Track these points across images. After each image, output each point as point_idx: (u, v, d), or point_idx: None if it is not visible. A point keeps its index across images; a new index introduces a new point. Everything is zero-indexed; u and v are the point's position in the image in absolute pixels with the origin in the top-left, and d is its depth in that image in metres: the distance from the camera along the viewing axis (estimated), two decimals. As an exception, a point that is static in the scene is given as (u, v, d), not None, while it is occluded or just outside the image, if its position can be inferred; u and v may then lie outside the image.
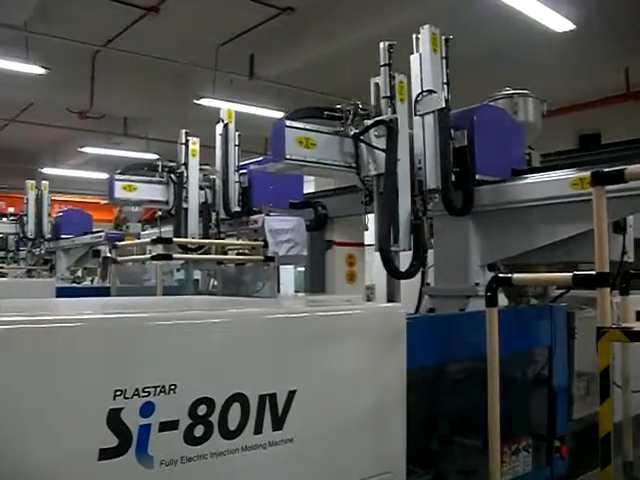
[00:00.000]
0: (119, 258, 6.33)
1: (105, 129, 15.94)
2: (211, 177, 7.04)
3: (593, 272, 2.72)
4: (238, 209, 6.75)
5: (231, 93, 12.02)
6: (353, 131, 4.35)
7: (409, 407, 2.85)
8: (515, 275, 3.17)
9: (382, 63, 4.30)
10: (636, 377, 4.19)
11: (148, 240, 6.31)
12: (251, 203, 6.72)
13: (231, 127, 6.82)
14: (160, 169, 7.08)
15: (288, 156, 4.03)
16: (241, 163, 6.91)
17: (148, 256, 5.80)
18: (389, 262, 4.15)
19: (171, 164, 7.10)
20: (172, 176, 7.03)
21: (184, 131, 7.02)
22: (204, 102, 12.29)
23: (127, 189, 6.94)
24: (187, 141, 6.97)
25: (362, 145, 4.36)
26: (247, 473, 2.31)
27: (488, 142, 4.57)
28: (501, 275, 3.21)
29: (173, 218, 7.07)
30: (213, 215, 6.94)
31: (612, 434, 2.64)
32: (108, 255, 7.88)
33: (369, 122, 4.31)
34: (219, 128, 6.86)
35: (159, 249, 5.66)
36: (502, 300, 4.63)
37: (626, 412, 3.89)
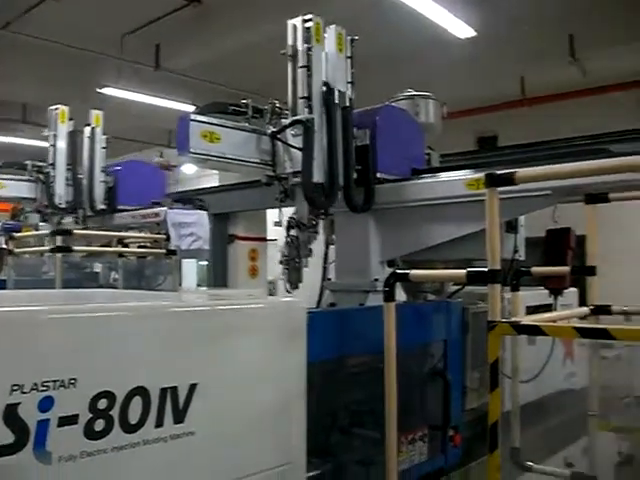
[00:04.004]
0: (16, 250, 6.12)
1: (2, 116, 15.30)
2: (79, 176, 7.40)
3: (485, 269, 2.85)
4: (104, 207, 7.28)
5: (136, 83, 11.80)
6: (271, 129, 4.40)
7: (310, 400, 2.90)
8: (412, 271, 3.26)
9: (300, 65, 4.35)
10: (524, 369, 4.42)
11: (47, 232, 6.14)
12: (116, 202, 7.27)
13: (98, 130, 7.36)
14: (30, 167, 7.61)
15: (192, 149, 4.03)
16: (107, 164, 7.43)
17: (47, 248, 5.64)
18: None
19: (40, 164, 7.57)
20: (40, 175, 7.50)
21: (52, 133, 7.41)
22: (107, 91, 12.02)
23: (-4, 186, 7.28)
24: (55, 143, 7.40)
25: (279, 143, 4.41)
26: (148, 466, 2.30)
27: (389, 141, 4.68)
28: (399, 271, 3.29)
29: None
30: (80, 212, 7.39)
31: (500, 422, 2.77)
32: (4, 246, 7.63)
33: (286, 121, 4.37)
34: (87, 131, 7.36)
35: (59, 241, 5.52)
36: (402, 296, 4.78)
37: (515, 401, 4.09)
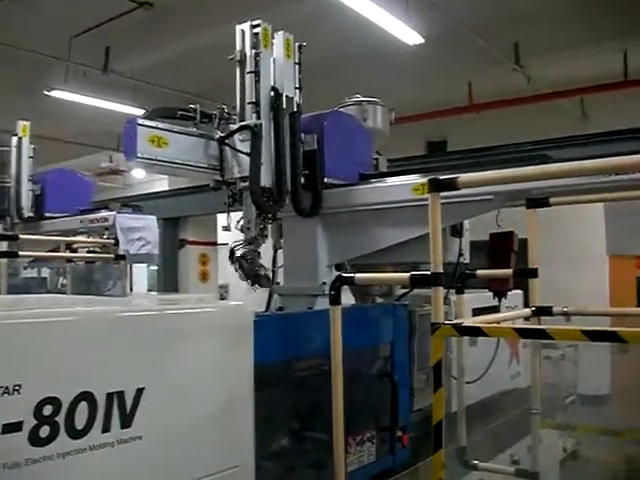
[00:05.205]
0: (-42, 256, 5.99)
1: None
2: (6, 184, 7.55)
3: (428, 272, 2.91)
4: (31, 214, 7.50)
5: (84, 86, 11.64)
6: (219, 134, 4.41)
7: (259, 403, 2.93)
8: (357, 275, 3.31)
9: (248, 70, 4.36)
10: (473, 370, 4.51)
11: (-9, 237, 6.05)
12: (43, 209, 7.49)
13: (25, 140, 7.54)
14: None
15: (139, 154, 4.01)
16: (35, 172, 7.63)
17: (-8, 253, 5.55)
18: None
19: None
20: None
21: None
22: (55, 94, 11.83)
23: None
24: None
25: (227, 148, 4.42)
26: (95, 472, 2.31)
27: (337, 147, 4.73)
28: (344, 274, 3.34)
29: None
30: (8, 219, 7.51)
31: (444, 422, 2.83)
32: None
33: (234, 126, 4.39)
34: (14, 141, 7.52)
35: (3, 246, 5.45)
36: (351, 299, 4.83)
37: (460, 401, 4.18)
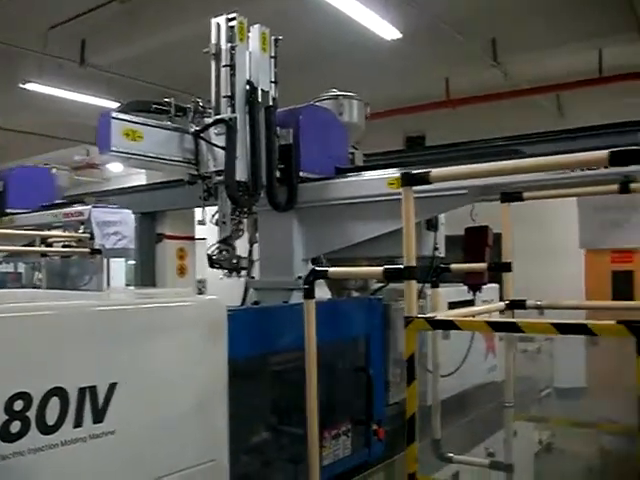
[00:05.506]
0: None
1: None
2: None
3: (401, 266, 2.93)
4: None
5: (60, 79, 11.53)
6: (194, 128, 4.40)
7: (234, 397, 2.93)
8: (331, 269, 3.32)
9: (224, 63, 4.36)
10: (450, 363, 4.54)
11: (-36, 232, 6.00)
12: (5, 205, 7.56)
13: None
14: None
15: (113, 148, 3.99)
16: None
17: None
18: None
19: None
20: None
21: None
22: (30, 87, 11.71)
23: None
24: None
25: (202, 142, 4.42)
26: (68, 467, 2.28)
27: (313, 141, 4.74)
28: (318, 268, 3.35)
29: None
30: None
31: (417, 415, 2.86)
32: None
33: (209, 120, 4.38)
34: None
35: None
36: (327, 293, 4.84)
37: (435, 395, 4.21)
